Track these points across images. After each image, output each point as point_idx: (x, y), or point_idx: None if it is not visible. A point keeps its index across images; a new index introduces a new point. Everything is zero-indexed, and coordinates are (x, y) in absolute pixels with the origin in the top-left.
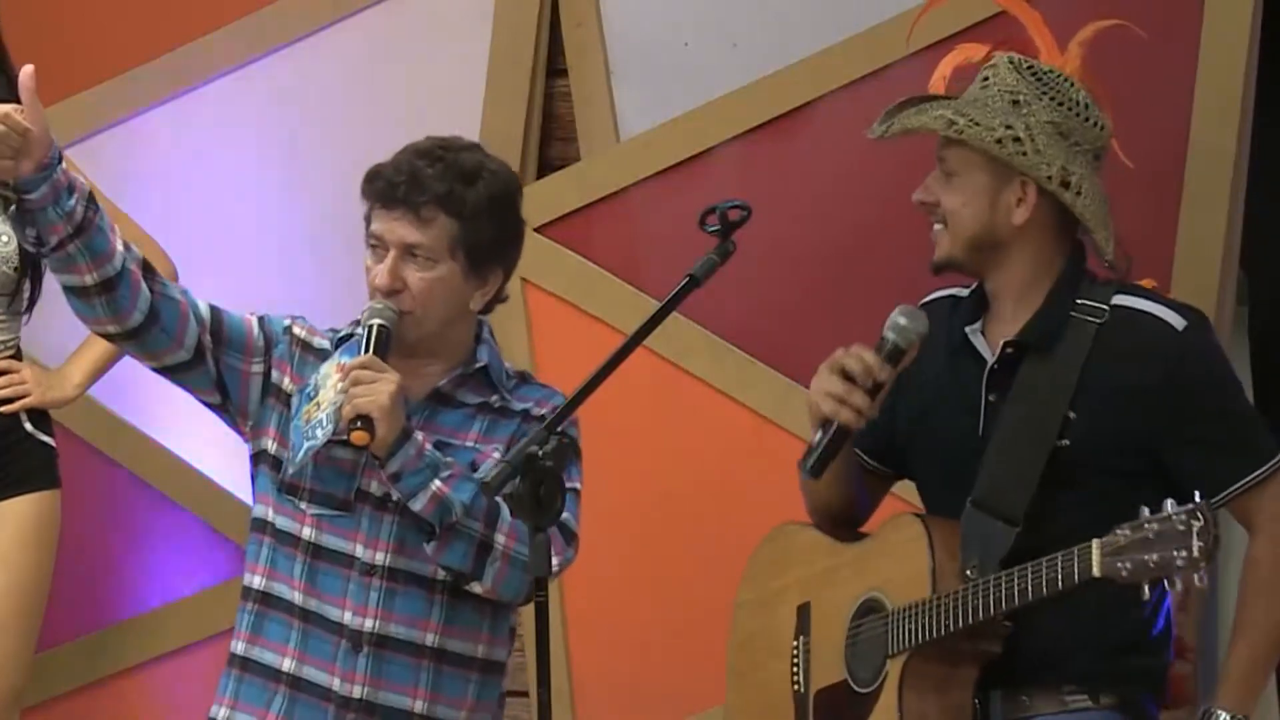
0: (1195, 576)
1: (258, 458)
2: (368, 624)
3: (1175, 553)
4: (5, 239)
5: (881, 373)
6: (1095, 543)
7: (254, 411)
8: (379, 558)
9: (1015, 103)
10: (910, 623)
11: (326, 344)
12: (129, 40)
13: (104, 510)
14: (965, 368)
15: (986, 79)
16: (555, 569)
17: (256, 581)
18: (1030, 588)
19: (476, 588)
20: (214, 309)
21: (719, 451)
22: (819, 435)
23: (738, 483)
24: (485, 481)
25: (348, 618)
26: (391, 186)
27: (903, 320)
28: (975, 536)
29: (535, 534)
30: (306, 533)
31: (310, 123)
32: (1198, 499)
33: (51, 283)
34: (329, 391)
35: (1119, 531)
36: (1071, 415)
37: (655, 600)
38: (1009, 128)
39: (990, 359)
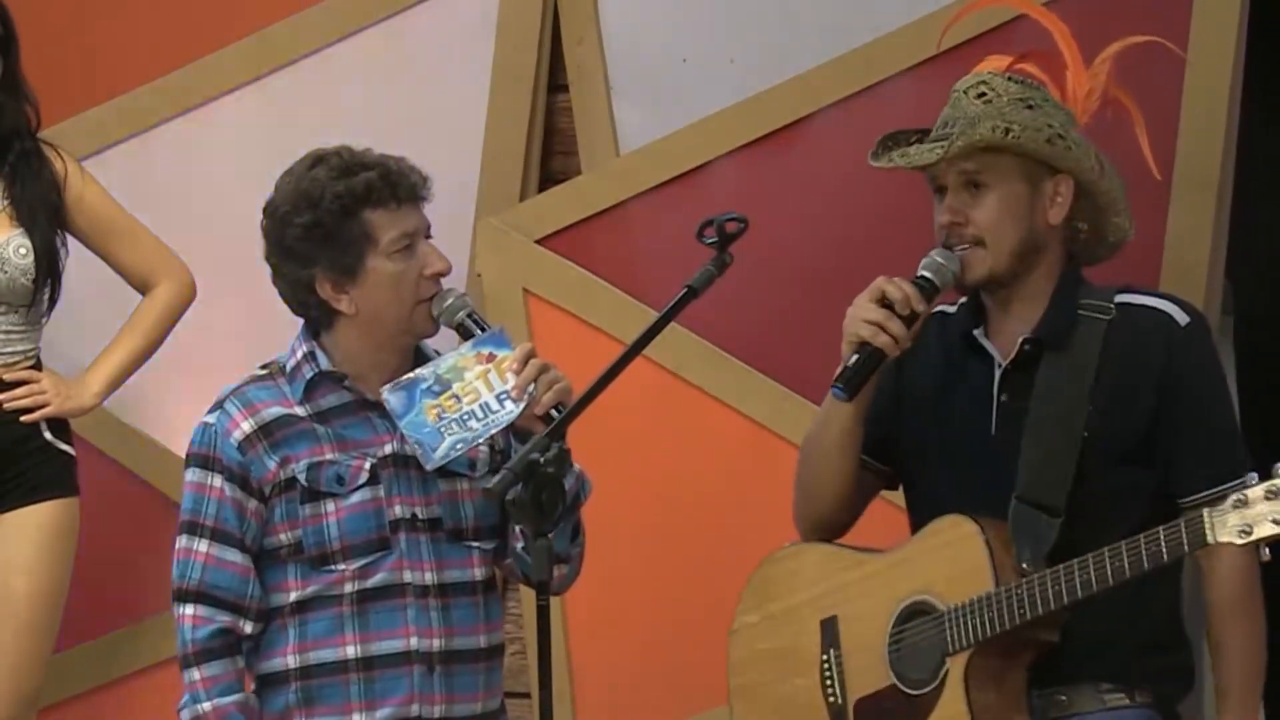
0: None
1: (268, 556)
2: (436, 644)
3: None
4: (23, 251)
5: (920, 305)
6: (1207, 510)
7: (263, 528)
8: (428, 577)
9: (1030, 107)
10: (972, 619)
11: (270, 401)
12: (141, 58)
13: (118, 516)
14: (973, 370)
15: (984, 94)
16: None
17: (290, 662)
18: (1127, 565)
19: (556, 571)
20: (248, 572)
21: (717, 459)
22: (855, 357)
23: (736, 489)
24: (488, 488)
25: (414, 643)
26: (410, 186)
27: (940, 259)
28: (1023, 530)
29: (536, 540)
30: (349, 587)
31: (317, 138)
32: None
33: (70, 289)
34: (475, 382)
35: (1234, 496)
36: (1090, 409)
37: (655, 604)
38: (1049, 126)
39: (999, 359)
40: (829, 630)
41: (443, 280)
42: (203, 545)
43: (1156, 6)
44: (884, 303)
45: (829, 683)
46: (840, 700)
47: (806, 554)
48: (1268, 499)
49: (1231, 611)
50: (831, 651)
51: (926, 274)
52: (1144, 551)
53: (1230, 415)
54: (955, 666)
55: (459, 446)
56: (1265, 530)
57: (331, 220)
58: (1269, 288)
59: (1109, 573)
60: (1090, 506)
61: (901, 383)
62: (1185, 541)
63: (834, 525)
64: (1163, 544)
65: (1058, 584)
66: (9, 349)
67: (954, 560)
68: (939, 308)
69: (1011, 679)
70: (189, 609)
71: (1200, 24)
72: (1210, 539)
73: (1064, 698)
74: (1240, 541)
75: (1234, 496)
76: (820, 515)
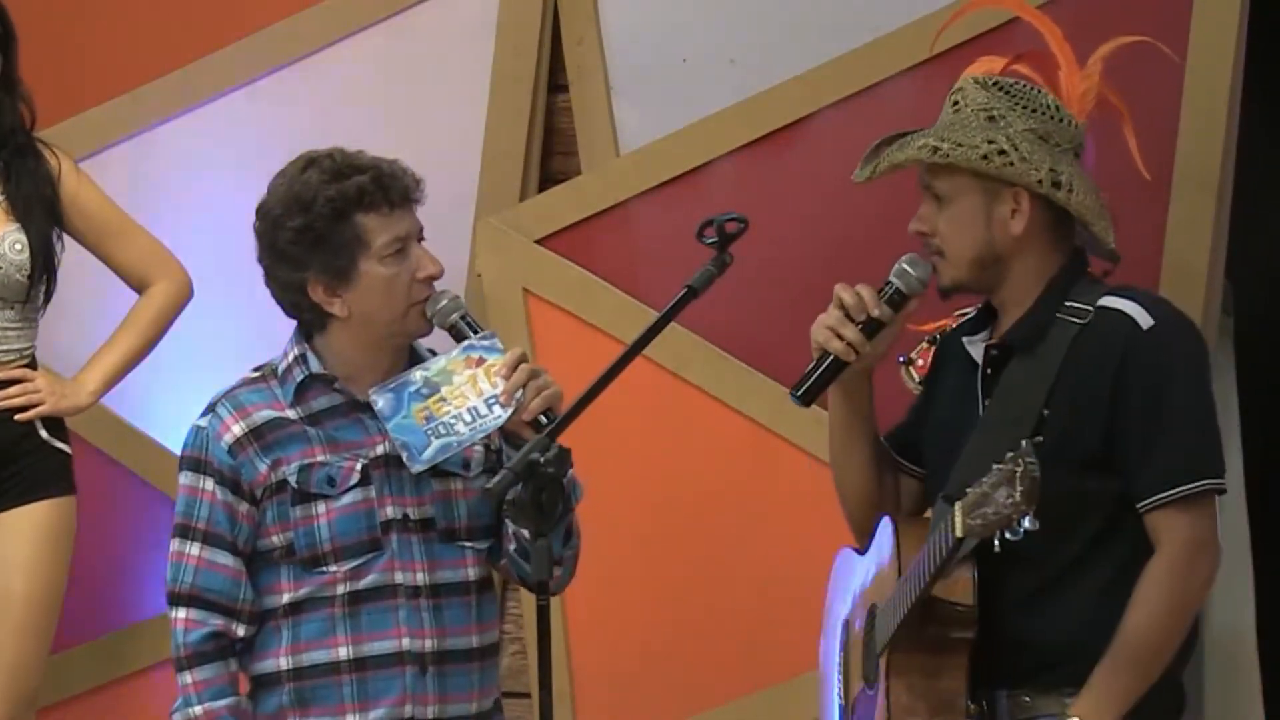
0: (1024, 521)
1: (261, 558)
2: (428, 644)
3: (1005, 500)
4: (19, 246)
5: (876, 310)
6: (957, 505)
7: (255, 531)
8: (419, 578)
9: (991, 118)
10: (885, 618)
11: (262, 404)
12: (139, 58)
13: (116, 515)
14: (966, 377)
15: (957, 102)
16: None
17: (283, 663)
18: (930, 562)
19: (555, 571)
20: (236, 572)
21: (717, 458)
22: (813, 364)
23: (736, 489)
24: (488, 488)
25: (406, 644)
26: (403, 189)
27: (906, 266)
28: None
29: (536, 540)
30: (340, 589)
31: (315, 139)
32: (1023, 445)
33: (67, 288)
34: (463, 386)
35: (968, 489)
36: (1046, 413)
37: (655, 604)
38: (991, 142)
39: (980, 364)
40: (846, 634)
41: (436, 282)
42: (194, 549)
43: (1156, 7)
44: (844, 309)
45: (840, 684)
46: (845, 702)
47: (845, 559)
48: (998, 490)
49: (1141, 592)
50: (843, 655)
51: (891, 280)
52: (933, 545)
53: (1190, 418)
54: (883, 664)
55: (445, 450)
56: (990, 521)
57: (323, 224)
58: (1269, 288)
59: (923, 570)
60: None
61: (931, 389)
62: (949, 535)
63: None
64: (941, 537)
65: (908, 582)
66: (4, 346)
67: (883, 563)
68: (967, 312)
69: (945, 678)
70: (181, 612)
71: (1200, 24)
72: (958, 531)
73: (1028, 699)
74: (975, 536)
75: (971, 488)
76: (856, 519)
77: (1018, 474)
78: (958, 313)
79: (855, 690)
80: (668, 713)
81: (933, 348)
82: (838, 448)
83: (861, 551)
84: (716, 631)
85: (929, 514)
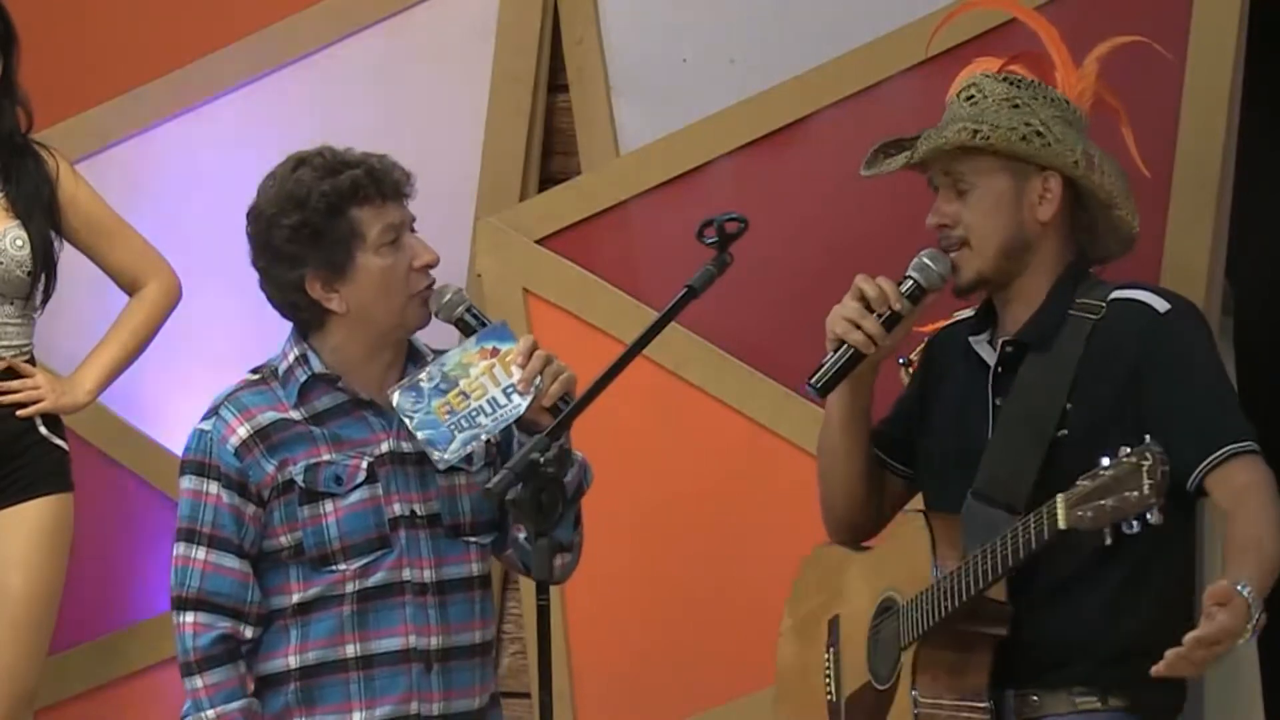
0: (1148, 514)
1: (268, 558)
2: (434, 641)
3: (1129, 494)
4: (20, 242)
5: (898, 303)
6: (1059, 497)
7: (262, 532)
8: (427, 575)
9: (1015, 106)
10: (916, 613)
11: (265, 406)
12: (138, 58)
13: (114, 514)
14: (973, 376)
15: (972, 96)
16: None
17: (291, 662)
18: (1010, 553)
19: (558, 560)
20: (244, 575)
21: (717, 458)
22: (830, 355)
23: (735, 489)
24: (488, 488)
25: (412, 640)
26: (394, 182)
27: (928, 260)
28: (977, 527)
29: (537, 540)
30: (350, 586)
31: (315, 139)
32: (1147, 440)
33: (65, 288)
34: (481, 378)
35: (1080, 482)
36: (1069, 407)
37: (655, 604)
38: (1028, 124)
39: (993, 363)
40: (833, 630)
41: (437, 275)
42: (200, 553)
43: (1155, 7)
44: (863, 301)
45: (828, 681)
46: (836, 699)
47: (826, 556)
48: (1117, 484)
49: (1245, 509)
50: (832, 650)
51: (911, 274)
52: (1020, 539)
53: (1216, 387)
54: (906, 660)
55: (469, 444)
56: (1105, 514)
57: (319, 219)
58: (1269, 288)
59: (997, 563)
60: None
61: (926, 389)
62: (1045, 528)
63: (856, 526)
64: (1032, 530)
65: (966, 576)
66: (4, 342)
67: (909, 556)
68: (962, 314)
69: (970, 676)
70: (189, 616)
71: (1200, 24)
72: (1061, 523)
73: (1036, 698)
74: (1085, 527)
75: (1083, 481)
76: (838, 515)
77: (1145, 468)
78: (954, 315)
79: (853, 688)
80: (668, 713)
81: None
82: (834, 441)
83: (857, 548)
84: (716, 631)
85: (922, 509)
